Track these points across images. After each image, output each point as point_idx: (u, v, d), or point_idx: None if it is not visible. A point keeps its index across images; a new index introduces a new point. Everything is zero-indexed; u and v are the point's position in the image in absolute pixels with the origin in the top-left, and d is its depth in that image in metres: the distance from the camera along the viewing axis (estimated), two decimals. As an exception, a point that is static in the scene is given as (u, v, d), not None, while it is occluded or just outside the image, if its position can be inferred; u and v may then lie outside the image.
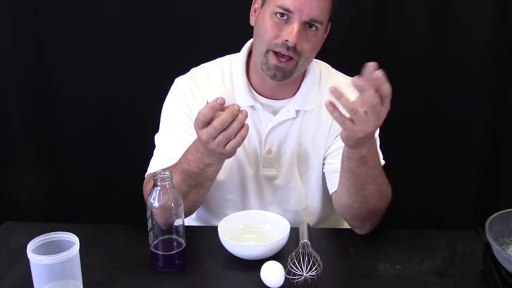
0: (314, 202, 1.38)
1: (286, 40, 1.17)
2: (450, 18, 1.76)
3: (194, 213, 1.39)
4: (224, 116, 1.06)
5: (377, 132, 1.32)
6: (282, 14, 1.18)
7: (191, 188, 1.20)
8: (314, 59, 1.37)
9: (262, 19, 1.21)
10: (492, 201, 1.92)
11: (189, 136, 1.31)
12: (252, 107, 1.30)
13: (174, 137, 1.32)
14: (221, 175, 1.28)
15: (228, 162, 1.28)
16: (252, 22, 1.28)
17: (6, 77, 1.87)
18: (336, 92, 1.01)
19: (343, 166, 1.17)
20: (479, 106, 1.85)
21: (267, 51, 1.21)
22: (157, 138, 1.36)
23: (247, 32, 1.31)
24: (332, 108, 1.04)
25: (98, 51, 1.83)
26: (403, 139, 1.84)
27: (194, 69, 1.38)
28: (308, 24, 1.19)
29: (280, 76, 1.22)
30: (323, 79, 1.35)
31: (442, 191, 1.93)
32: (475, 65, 1.80)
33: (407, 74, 1.82)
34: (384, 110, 1.04)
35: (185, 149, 1.27)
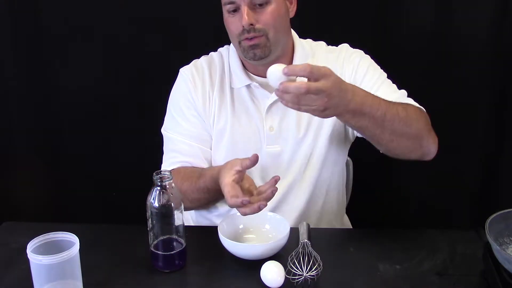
0: (325, 173, 1.38)
1: (243, 27, 1.25)
2: (450, 18, 1.77)
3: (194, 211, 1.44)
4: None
5: (383, 76, 1.35)
6: (233, 10, 1.27)
7: (203, 198, 1.29)
8: (303, 39, 1.41)
9: (225, 22, 1.32)
10: (492, 201, 1.92)
11: (192, 123, 1.36)
12: (248, 86, 1.36)
13: (179, 128, 1.37)
14: (222, 156, 1.34)
15: (229, 143, 1.34)
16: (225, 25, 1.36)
17: (6, 77, 1.87)
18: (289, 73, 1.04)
19: (352, 127, 1.25)
20: (479, 106, 1.85)
21: (239, 43, 1.29)
22: (164, 130, 1.40)
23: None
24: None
25: (98, 51, 1.83)
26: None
27: (197, 59, 1.44)
28: (257, 4, 1.26)
29: (260, 52, 1.28)
30: (316, 52, 1.40)
31: (442, 191, 1.93)
32: (476, 65, 1.80)
33: (407, 74, 1.81)
34: (316, 98, 1.04)
35: (190, 139, 1.34)
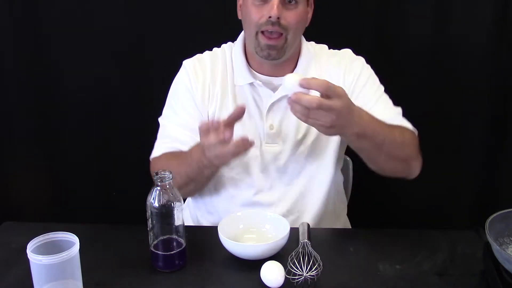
0: (322, 174, 1.38)
1: (270, 17, 1.25)
2: (450, 18, 1.77)
3: (192, 206, 1.45)
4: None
5: (381, 90, 1.37)
6: None
7: (190, 180, 1.27)
8: (307, 42, 1.42)
9: (246, 8, 1.31)
10: (492, 201, 1.92)
11: (190, 114, 1.36)
12: (252, 84, 1.36)
13: (177, 118, 1.37)
14: None
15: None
16: (239, 16, 1.37)
17: (6, 76, 1.87)
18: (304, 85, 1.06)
19: (352, 147, 1.24)
20: (479, 106, 1.85)
21: (256, 33, 1.29)
22: (161, 118, 1.41)
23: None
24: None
25: (98, 50, 1.83)
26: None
27: (200, 54, 1.45)
28: (287, 0, 1.27)
29: (274, 54, 1.29)
30: (318, 54, 1.41)
31: (442, 191, 1.93)
32: (475, 66, 1.80)
33: (407, 74, 1.82)
34: (325, 115, 1.07)
35: (185, 129, 1.34)
